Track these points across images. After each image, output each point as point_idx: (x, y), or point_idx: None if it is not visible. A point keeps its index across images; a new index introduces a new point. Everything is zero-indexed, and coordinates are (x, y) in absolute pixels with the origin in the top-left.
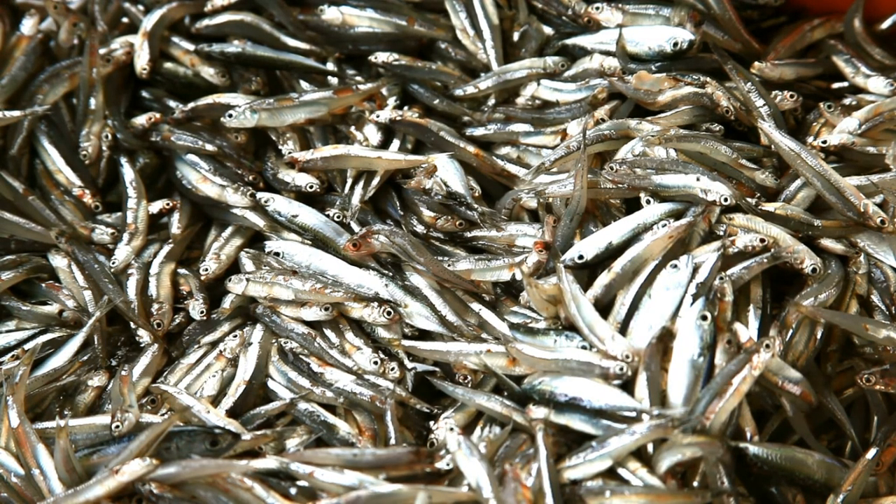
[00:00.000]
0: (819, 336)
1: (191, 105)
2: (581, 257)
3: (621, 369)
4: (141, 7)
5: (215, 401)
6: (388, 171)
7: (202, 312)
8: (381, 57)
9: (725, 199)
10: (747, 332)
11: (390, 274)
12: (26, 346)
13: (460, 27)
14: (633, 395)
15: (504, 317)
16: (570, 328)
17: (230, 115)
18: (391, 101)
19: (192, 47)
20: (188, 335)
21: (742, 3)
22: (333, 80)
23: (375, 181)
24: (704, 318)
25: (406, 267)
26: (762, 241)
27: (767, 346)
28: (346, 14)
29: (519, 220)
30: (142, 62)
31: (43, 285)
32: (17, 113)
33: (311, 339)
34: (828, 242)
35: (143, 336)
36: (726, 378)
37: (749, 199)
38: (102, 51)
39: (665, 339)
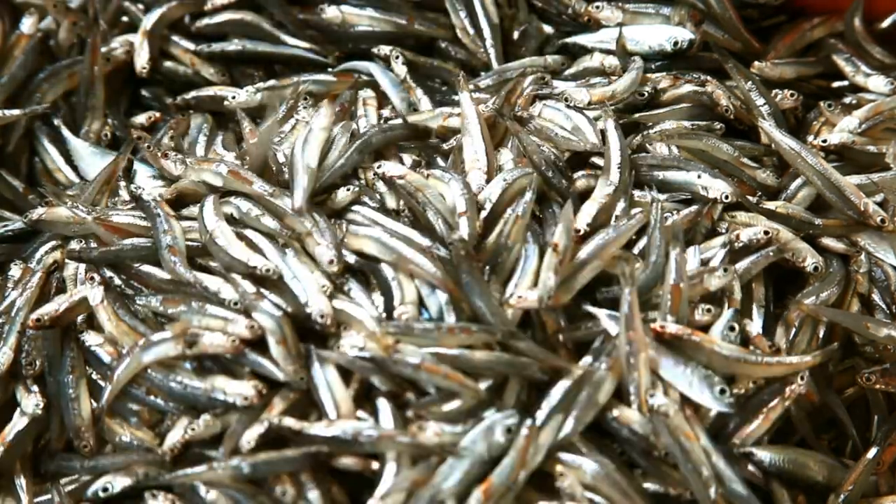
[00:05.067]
0: (821, 335)
1: (192, 94)
2: None
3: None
4: (141, 6)
5: None
6: None
7: None
8: (383, 50)
9: (726, 197)
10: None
11: None
12: None
13: (460, 26)
14: None
15: None
16: None
17: (234, 97)
18: None
19: (192, 46)
20: None
21: (742, 3)
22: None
23: None
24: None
25: None
26: (766, 233)
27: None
28: (347, 13)
29: None
30: (141, 61)
31: None
32: (16, 112)
33: None
34: (829, 241)
35: None
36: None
37: (750, 198)
38: (102, 49)
39: None
